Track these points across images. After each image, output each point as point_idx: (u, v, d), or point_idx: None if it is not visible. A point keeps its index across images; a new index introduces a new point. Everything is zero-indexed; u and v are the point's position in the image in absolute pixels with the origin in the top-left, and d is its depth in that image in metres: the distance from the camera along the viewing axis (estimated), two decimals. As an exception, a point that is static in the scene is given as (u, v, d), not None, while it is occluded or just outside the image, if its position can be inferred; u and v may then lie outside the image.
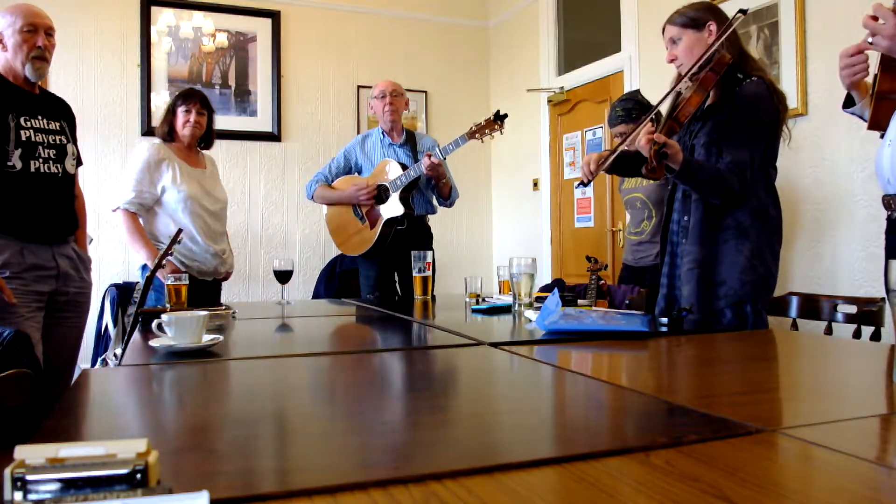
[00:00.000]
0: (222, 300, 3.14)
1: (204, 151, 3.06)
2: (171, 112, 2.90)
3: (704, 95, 1.94)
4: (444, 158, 3.15)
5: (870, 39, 1.60)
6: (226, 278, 3.10)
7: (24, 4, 2.32)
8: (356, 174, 3.44)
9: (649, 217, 3.01)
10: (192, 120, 2.86)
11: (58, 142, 2.34)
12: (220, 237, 2.99)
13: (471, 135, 3.09)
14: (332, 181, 3.45)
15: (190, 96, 2.90)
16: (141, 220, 2.83)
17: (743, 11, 1.94)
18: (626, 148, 1.97)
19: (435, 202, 3.44)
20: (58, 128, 2.36)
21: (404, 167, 3.22)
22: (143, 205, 2.80)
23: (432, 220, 3.56)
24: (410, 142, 3.41)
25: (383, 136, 3.41)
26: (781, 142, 2.03)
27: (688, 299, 1.99)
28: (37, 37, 2.27)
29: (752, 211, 1.96)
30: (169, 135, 2.89)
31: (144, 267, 2.82)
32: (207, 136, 2.99)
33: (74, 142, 2.46)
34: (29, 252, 2.24)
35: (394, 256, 3.28)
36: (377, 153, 3.40)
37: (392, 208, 3.25)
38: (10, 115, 2.21)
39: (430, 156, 3.06)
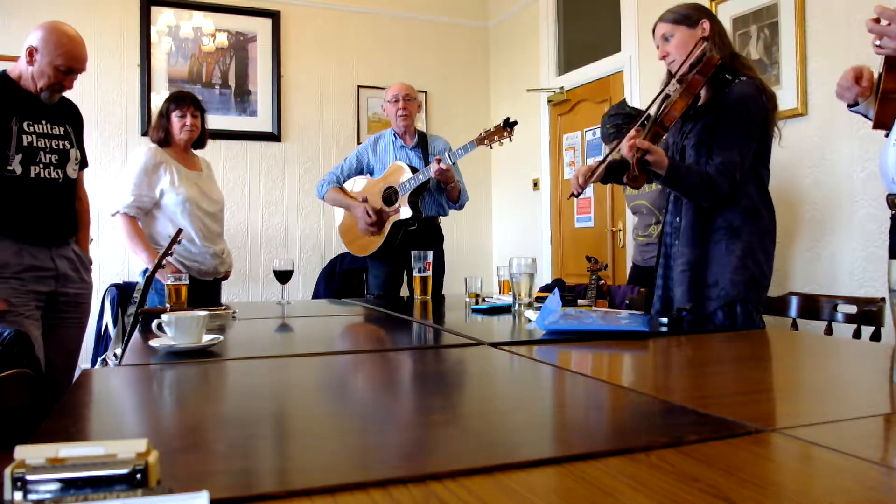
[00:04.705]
0: (222, 300, 3.15)
1: (198, 153, 3.06)
2: (164, 117, 2.90)
3: (690, 99, 1.91)
4: (454, 163, 3.16)
5: (878, 42, 1.58)
6: (225, 277, 3.11)
7: (71, 40, 2.27)
8: (368, 175, 3.46)
9: (657, 222, 3.02)
10: (188, 124, 2.87)
11: (61, 147, 2.34)
12: (219, 238, 3.00)
13: (479, 141, 3.09)
14: (344, 182, 3.47)
15: (182, 100, 2.91)
16: (140, 224, 2.84)
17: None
18: (615, 157, 2.02)
19: (445, 204, 3.45)
20: (62, 133, 2.36)
21: (414, 170, 3.23)
22: (141, 208, 2.81)
23: (436, 221, 3.56)
24: (422, 144, 3.41)
25: (395, 138, 3.41)
26: (774, 141, 2.02)
27: (681, 301, 1.98)
28: (68, 79, 2.28)
29: (743, 211, 1.95)
30: (165, 139, 2.89)
31: (146, 270, 2.82)
32: (201, 137, 3.00)
33: (80, 145, 2.46)
34: (27, 253, 2.24)
35: (404, 256, 3.29)
36: (389, 155, 3.40)
37: (401, 211, 3.26)
38: (13, 119, 2.21)
39: (439, 160, 3.06)
